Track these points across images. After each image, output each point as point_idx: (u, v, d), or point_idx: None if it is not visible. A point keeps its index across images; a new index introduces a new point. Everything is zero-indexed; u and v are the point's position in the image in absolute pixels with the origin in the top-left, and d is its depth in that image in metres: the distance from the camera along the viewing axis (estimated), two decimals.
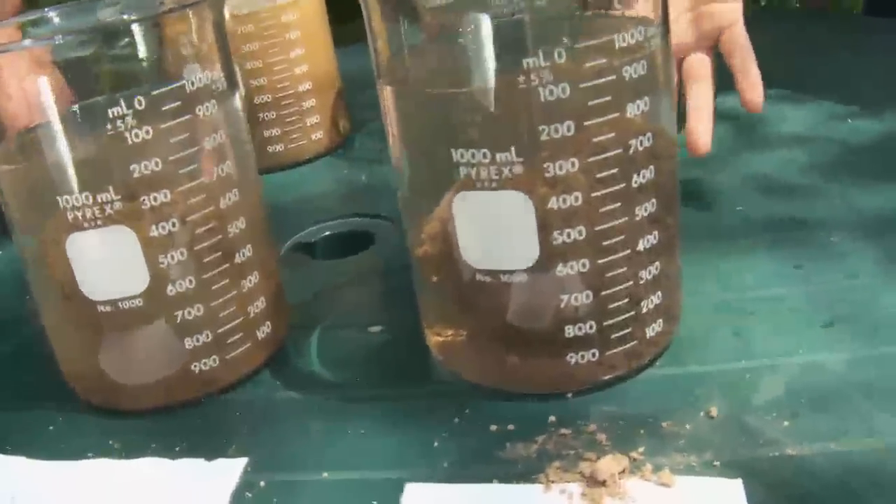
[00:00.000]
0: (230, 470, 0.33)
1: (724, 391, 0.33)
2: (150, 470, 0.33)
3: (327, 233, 0.51)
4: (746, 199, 0.47)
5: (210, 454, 0.33)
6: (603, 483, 0.28)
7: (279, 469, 0.32)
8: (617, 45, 0.30)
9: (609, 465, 0.29)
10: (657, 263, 0.33)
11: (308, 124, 0.60)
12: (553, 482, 0.29)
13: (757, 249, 0.42)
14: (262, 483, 0.32)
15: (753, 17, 0.53)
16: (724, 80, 0.48)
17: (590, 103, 0.30)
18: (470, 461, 0.31)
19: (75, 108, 0.34)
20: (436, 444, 0.32)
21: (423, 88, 0.32)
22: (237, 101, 0.37)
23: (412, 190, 0.35)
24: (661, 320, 0.34)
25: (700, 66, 0.48)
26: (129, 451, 0.35)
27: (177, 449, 0.34)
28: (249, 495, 0.31)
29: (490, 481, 0.30)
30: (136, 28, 0.32)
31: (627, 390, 0.34)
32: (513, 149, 0.30)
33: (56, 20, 0.39)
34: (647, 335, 0.34)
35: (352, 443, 0.33)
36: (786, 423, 0.31)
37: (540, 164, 0.30)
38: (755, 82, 0.47)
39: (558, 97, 0.29)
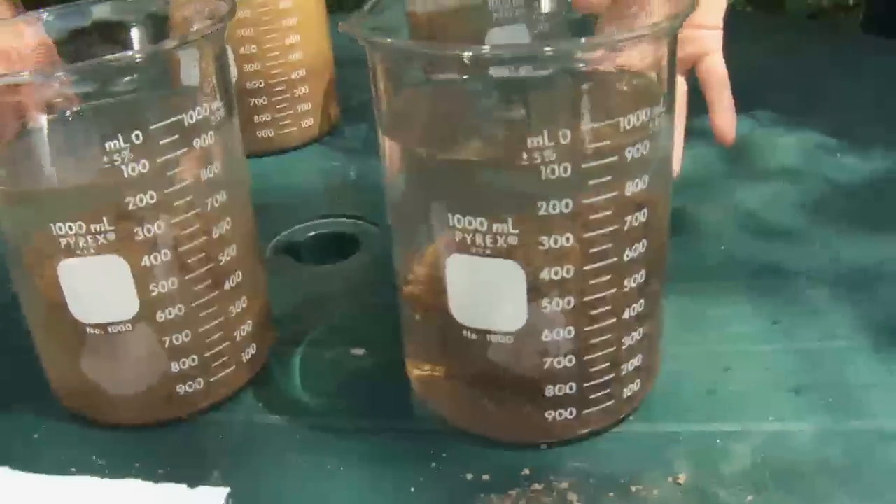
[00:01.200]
0: (212, 500, 0.33)
1: (693, 456, 0.34)
2: (134, 493, 0.34)
3: (312, 233, 0.51)
4: (730, 237, 0.48)
5: (193, 480, 0.34)
6: None
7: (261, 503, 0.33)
8: (622, 127, 0.30)
9: None
10: (641, 329, 0.34)
11: (299, 111, 0.59)
12: None
13: (737, 296, 0.43)
14: None
15: (746, 26, 0.52)
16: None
17: (590, 182, 0.30)
18: None
19: (71, 137, 0.33)
20: (412, 489, 0.33)
21: (425, 152, 0.32)
22: (235, 126, 0.36)
23: (405, 231, 0.35)
24: (639, 380, 0.35)
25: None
26: (113, 469, 0.35)
27: (160, 472, 0.35)
28: None
29: None
30: (138, 62, 0.32)
31: (600, 445, 0.35)
32: (510, 220, 0.30)
33: (50, 20, 0.39)
34: (625, 395, 0.35)
35: (331, 479, 0.34)
36: (749, 498, 0.32)
37: (536, 236, 0.30)
38: (729, 117, 0.47)
39: (559, 176, 0.29)
